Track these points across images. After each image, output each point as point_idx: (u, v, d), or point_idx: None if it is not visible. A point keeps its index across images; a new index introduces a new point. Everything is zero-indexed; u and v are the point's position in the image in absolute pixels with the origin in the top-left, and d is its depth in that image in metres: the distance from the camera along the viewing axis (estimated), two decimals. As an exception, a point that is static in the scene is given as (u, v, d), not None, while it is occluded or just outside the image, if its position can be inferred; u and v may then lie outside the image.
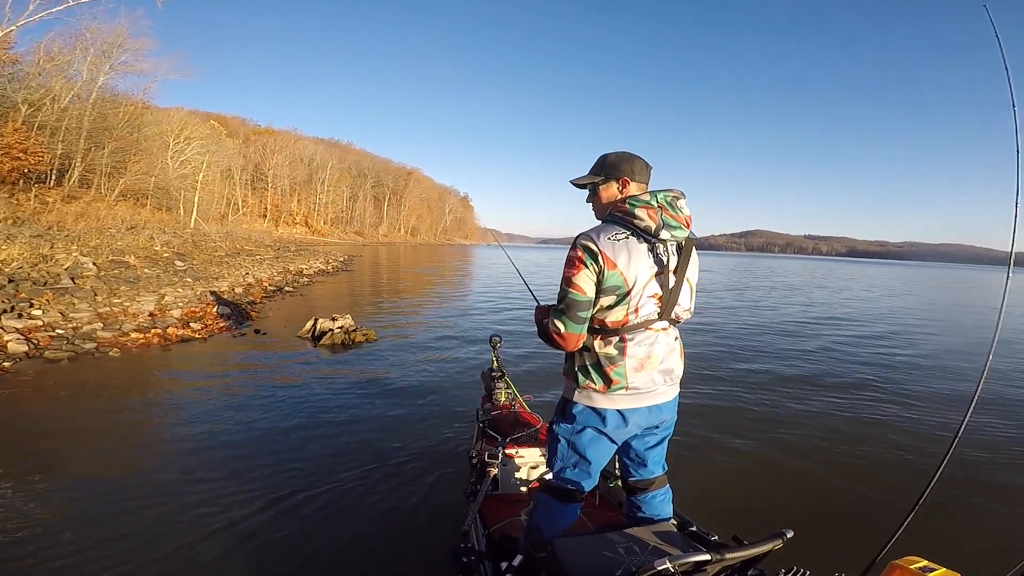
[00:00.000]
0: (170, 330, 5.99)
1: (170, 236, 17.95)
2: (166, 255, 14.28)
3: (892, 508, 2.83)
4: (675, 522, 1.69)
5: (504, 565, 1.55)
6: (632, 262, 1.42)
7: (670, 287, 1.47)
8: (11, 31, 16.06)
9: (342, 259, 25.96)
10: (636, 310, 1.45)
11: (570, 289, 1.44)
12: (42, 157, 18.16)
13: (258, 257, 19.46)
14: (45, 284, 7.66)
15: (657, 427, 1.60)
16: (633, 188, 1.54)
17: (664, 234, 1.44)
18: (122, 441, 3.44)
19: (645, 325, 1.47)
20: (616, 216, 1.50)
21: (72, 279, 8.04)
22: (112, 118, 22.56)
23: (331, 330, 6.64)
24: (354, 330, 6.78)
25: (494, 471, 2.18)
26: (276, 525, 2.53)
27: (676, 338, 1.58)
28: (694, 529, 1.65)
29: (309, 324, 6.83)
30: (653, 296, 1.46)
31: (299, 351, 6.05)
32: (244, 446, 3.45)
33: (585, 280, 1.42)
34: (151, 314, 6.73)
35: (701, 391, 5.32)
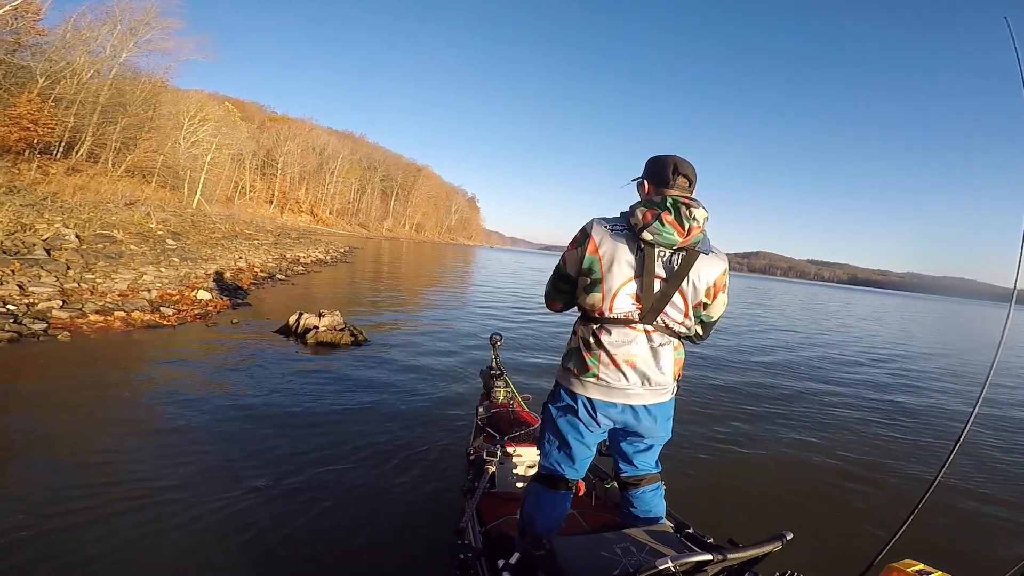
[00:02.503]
0: (135, 314, 5.61)
1: (169, 214, 17.69)
2: (160, 233, 14.00)
3: (890, 512, 2.85)
4: (672, 524, 1.71)
5: (501, 563, 1.53)
6: (612, 253, 1.47)
7: (655, 290, 1.47)
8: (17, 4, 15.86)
9: (343, 250, 25.68)
10: (611, 303, 1.48)
11: (560, 261, 1.61)
12: (52, 129, 18.00)
13: (256, 242, 19.19)
14: (16, 254, 7.33)
15: (642, 436, 1.61)
16: (671, 191, 1.53)
17: (646, 234, 1.45)
18: (42, 442, 2.99)
19: (625, 322, 1.49)
20: (626, 212, 1.55)
21: (47, 251, 7.70)
22: (129, 94, 22.40)
23: (316, 327, 6.20)
24: (342, 328, 6.33)
25: (492, 469, 2.18)
26: (269, 525, 2.44)
27: (662, 345, 1.53)
28: (691, 531, 1.66)
29: (292, 319, 6.41)
30: (631, 295, 1.48)
31: (277, 347, 5.68)
32: (205, 450, 3.10)
33: (571, 258, 1.55)
34: (121, 294, 6.36)
35: (699, 395, 5.35)
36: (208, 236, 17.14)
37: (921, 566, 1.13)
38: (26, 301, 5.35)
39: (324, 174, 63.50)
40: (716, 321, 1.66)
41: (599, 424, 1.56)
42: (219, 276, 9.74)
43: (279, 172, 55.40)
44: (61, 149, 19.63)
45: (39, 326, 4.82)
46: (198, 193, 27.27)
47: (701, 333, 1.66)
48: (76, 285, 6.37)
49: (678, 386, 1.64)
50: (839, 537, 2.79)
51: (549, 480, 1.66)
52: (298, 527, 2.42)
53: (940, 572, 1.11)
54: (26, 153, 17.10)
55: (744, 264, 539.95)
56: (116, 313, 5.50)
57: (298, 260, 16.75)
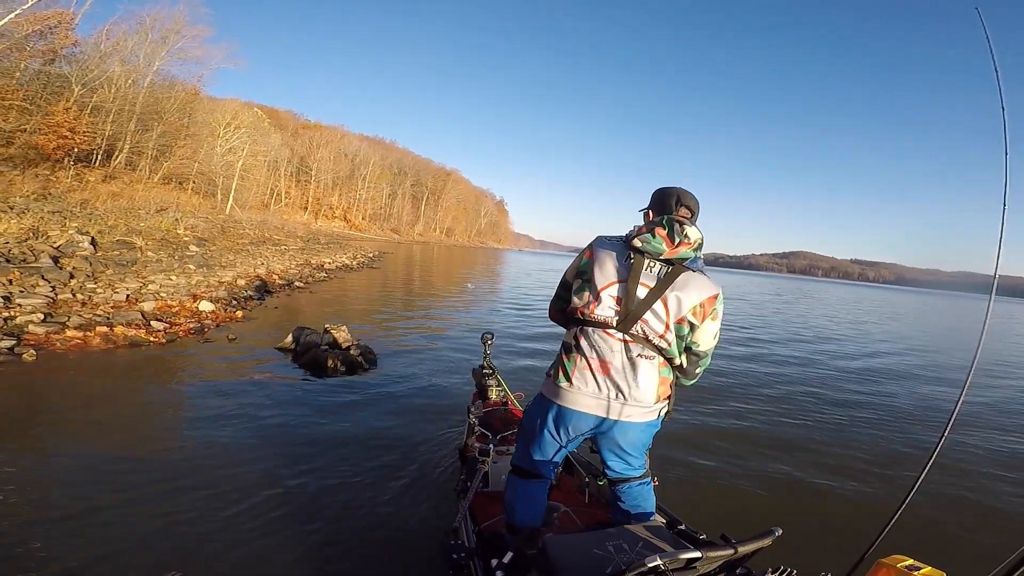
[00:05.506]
0: (118, 329, 4.97)
1: (199, 221, 17.70)
2: (186, 239, 13.83)
3: (879, 508, 2.76)
4: (664, 520, 1.73)
5: (495, 562, 1.47)
6: (604, 257, 1.58)
7: (635, 297, 1.51)
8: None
9: (371, 255, 25.40)
10: (594, 304, 1.54)
11: (564, 273, 1.74)
12: (91, 137, 18.39)
13: (283, 247, 19.04)
14: (23, 261, 6.92)
15: (626, 451, 1.59)
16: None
17: (635, 242, 1.54)
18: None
19: (603, 327, 1.52)
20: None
21: (55, 259, 7.30)
22: (165, 103, 22.85)
23: (317, 344, 5.42)
24: (348, 347, 5.51)
25: (485, 468, 2.15)
26: (261, 526, 2.40)
27: (642, 357, 1.51)
28: (683, 527, 1.64)
29: (292, 335, 5.66)
30: (613, 298, 1.53)
31: (270, 367, 4.89)
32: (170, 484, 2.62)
33: (572, 266, 1.69)
34: (116, 305, 5.81)
35: (690, 397, 5.03)
36: (235, 242, 17.01)
37: (911, 561, 1.12)
38: (5, 315, 4.82)
39: (356, 180, 64.38)
40: (706, 356, 1.64)
41: (570, 434, 1.59)
42: (235, 284, 9.23)
43: (313, 178, 56.46)
44: (100, 157, 20.10)
45: (7, 343, 4.22)
46: (231, 199, 27.66)
47: (686, 365, 1.64)
48: (71, 296, 5.86)
49: (669, 411, 1.61)
50: (829, 533, 2.79)
51: (520, 471, 1.74)
52: (288, 529, 2.37)
53: (929, 567, 1.10)
54: (65, 161, 17.48)
55: (783, 264, 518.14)
56: (97, 328, 4.86)
57: (322, 266, 16.34)
